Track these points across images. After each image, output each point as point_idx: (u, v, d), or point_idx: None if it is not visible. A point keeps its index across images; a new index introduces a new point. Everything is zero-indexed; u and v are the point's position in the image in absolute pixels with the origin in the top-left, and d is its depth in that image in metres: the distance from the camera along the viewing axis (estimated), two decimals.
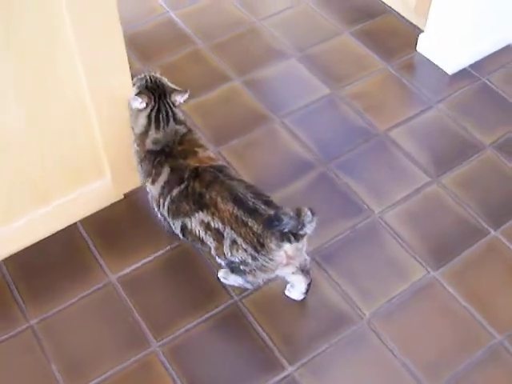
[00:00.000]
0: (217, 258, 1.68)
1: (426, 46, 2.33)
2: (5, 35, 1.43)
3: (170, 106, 1.70)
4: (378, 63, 2.34)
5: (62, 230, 1.90)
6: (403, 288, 1.77)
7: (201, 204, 1.60)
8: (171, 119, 1.70)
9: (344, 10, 2.52)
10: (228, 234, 1.57)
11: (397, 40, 2.41)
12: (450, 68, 2.28)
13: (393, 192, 1.97)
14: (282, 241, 1.52)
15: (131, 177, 1.88)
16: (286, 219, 1.48)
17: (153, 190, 1.72)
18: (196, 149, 1.70)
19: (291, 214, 1.49)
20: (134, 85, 1.73)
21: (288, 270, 1.63)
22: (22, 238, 1.84)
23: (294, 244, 1.53)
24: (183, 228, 1.67)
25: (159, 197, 1.69)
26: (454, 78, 2.29)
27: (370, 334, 1.69)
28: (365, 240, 1.87)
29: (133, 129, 1.74)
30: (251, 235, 1.54)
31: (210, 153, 1.74)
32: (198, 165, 1.65)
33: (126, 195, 1.96)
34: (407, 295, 1.75)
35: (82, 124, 1.71)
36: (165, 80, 1.74)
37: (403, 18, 2.48)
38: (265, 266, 1.58)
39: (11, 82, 1.51)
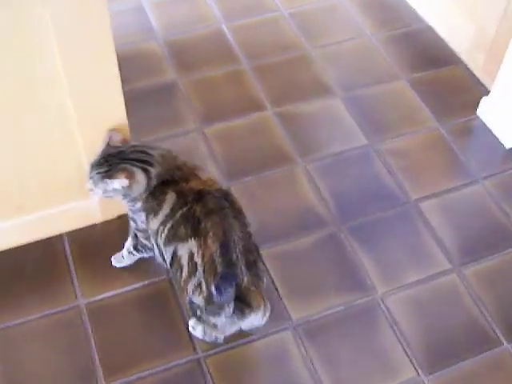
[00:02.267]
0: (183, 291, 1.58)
1: (487, 111, 2.08)
2: None
3: (143, 152, 1.55)
4: (429, 120, 2.10)
5: (47, 239, 1.80)
6: None
7: (195, 231, 1.49)
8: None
9: (409, 52, 2.29)
10: (199, 274, 1.48)
11: (457, 98, 2.16)
12: (509, 141, 2.03)
13: (405, 272, 1.76)
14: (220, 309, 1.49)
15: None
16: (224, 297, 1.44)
17: (152, 225, 1.58)
18: (196, 172, 1.59)
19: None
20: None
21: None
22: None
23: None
24: (173, 254, 1.54)
25: (159, 226, 1.56)
26: (511, 153, 2.03)
27: None
28: (358, 321, 1.67)
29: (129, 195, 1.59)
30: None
31: (209, 175, 1.62)
32: (201, 187, 1.53)
33: (120, 216, 1.84)
34: None
35: (68, 148, 1.63)
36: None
37: (471, 73, 2.23)
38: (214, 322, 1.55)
39: None
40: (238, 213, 1.55)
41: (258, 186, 1.93)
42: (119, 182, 1.49)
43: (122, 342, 1.64)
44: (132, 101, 1.76)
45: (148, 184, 1.53)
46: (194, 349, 1.62)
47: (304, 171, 1.96)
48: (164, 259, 1.60)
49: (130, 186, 1.51)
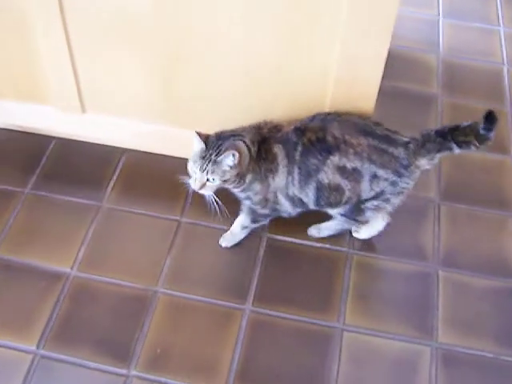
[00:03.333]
0: (341, 205, 1.69)
1: None
2: None
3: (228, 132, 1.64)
4: None
5: None
6: None
7: (328, 148, 1.59)
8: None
9: None
10: (367, 169, 1.60)
11: None
12: None
13: None
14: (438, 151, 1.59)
15: None
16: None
17: (278, 182, 1.67)
18: (277, 124, 1.68)
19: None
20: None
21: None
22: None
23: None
24: (319, 188, 1.65)
25: (287, 177, 1.65)
26: None
27: None
28: (503, 376, 1.62)
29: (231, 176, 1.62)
30: (394, 161, 1.59)
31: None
32: (294, 126, 1.64)
33: None
34: None
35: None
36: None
37: None
38: (403, 189, 1.65)
39: None
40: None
41: (467, 217, 1.94)
42: (232, 158, 1.55)
43: (283, 281, 1.77)
44: (387, 95, 1.87)
45: (250, 152, 1.61)
46: (338, 320, 1.70)
47: None
48: (302, 204, 1.71)
49: (239, 160, 1.56)
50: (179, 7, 1.60)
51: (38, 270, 1.78)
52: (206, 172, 1.58)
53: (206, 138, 1.59)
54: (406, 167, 1.60)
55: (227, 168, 1.58)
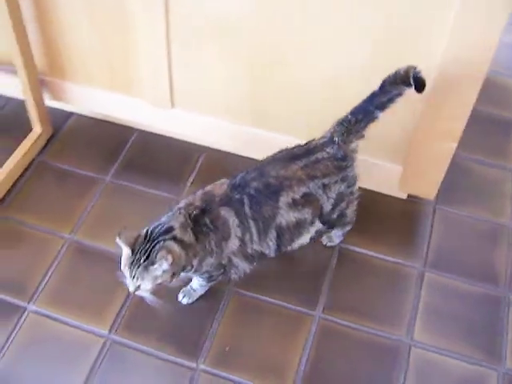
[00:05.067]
0: (316, 224, 1.65)
1: None
2: None
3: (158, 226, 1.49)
4: None
5: None
6: None
7: (275, 190, 1.54)
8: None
9: None
10: (314, 186, 1.57)
11: None
12: None
13: None
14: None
15: (425, 184, 1.87)
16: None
17: (232, 246, 1.56)
18: (206, 192, 1.57)
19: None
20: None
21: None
22: None
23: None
24: (279, 232, 1.59)
25: (243, 237, 1.55)
26: None
27: None
28: None
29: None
30: (330, 162, 1.58)
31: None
32: (228, 184, 1.56)
33: (410, 196, 1.97)
34: None
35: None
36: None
37: None
38: (355, 176, 1.65)
39: None
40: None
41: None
42: (164, 264, 1.40)
43: (353, 291, 1.78)
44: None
45: (184, 244, 1.46)
46: (407, 335, 1.70)
47: None
48: (261, 257, 1.62)
49: (173, 262, 1.40)
50: (278, 13, 1.63)
51: (113, 257, 1.82)
52: (136, 279, 1.44)
53: (132, 243, 1.43)
54: (344, 158, 1.59)
55: (159, 273, 1.43)
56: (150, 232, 1.45)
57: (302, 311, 1.73)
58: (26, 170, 2.04)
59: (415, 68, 1.50)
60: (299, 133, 1.69)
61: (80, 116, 2.20)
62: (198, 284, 1.71)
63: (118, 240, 1.42)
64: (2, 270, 1.80)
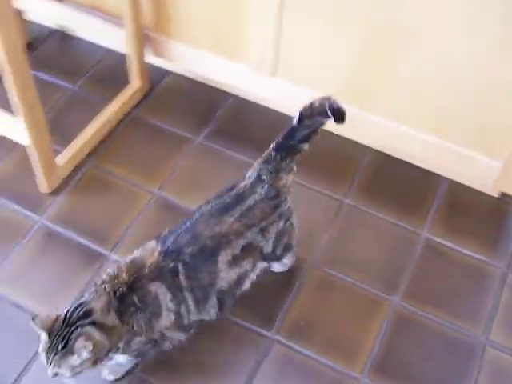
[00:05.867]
0: (259, 265, 1.55)
1: None
2: None
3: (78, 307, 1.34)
4: None
5: (427, 171, 2.00)
6: None
7: (212, 251, 1.42)
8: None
9: None
10: (251, 234, 1.46)
11: None
12: None
13: None
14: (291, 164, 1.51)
15: None
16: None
17: (166, 321, 1.42)
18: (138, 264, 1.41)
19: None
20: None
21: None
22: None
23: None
24: (220, 297, 1.47)
25: (179, 309, 1.42)
26: None
27: None
28: None
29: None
30: (264, 204, 1.48)
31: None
32: (160, 251, 1.40)
33: (503, 194, 1.93)
34: None
35: None
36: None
37: None
38: (290, 208, 1.56)
39: None
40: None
41: None
42: (84, 353, 1.28)
43: (434, 283, 1.76)
44: None
45: (105, 329, 1.33)
46: (483, 334, 1.67)
47: None
48: (200, 324, 1.50)
49: (92, 350, 1.28)
50: None
51: None
52: (53, 366, 1.31)
53: (49, 326, 1.31)
54: (277, 196, 1.50)
55: (78, 362, 1.31)
56: (68, 315, 1.32)
57: (380, 296, 1.72)
58: (119, 122, 2.08)
59: (330, 98, 1.42)
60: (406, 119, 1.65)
61: (177, 75, 2.22)
62: (124, 359, 1.53)
63: (32, 324, 1.31)
64: (88, 217, 1.85)
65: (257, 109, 2.12)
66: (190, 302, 1.43)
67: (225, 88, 2.16)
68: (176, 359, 1.58)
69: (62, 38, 2.33)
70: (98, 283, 1.37)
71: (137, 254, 1.42)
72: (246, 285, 1.56)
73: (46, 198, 1.89)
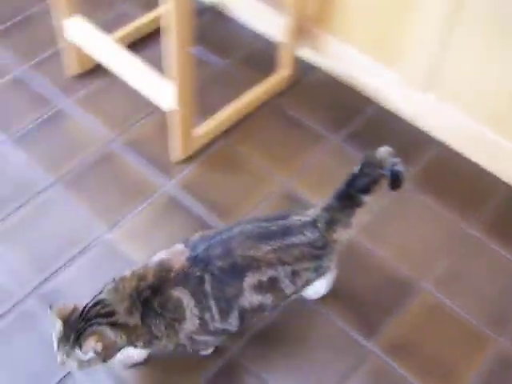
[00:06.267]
0: (271, 309, 1.50)
1: None
2: None
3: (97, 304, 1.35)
4: None
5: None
6: None
7: (241, 270, 1.37)
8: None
9: None
10: (282, 272, 1.40)
11: None
12: None
13: None
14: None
15: None
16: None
17: (191, 326, 1.40)
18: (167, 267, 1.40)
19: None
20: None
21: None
22: None
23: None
24: (241, 314, 1.43)
25: (204, 316, 1.40)
26: None
27: None
28: None
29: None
30: (307, 249, 1.41)
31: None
32: (188, 257, 1.38)
33: None
34: None
35: None
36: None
37: None
38: (330, 263, 1.52)
39: None
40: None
41: None
42: (92, 348, 1.29)
43: None
44: None
45: (122, 330, 1.33)
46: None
47: None
48: (225, 333, 1.48)
49: (102, 349, 1.29)
50: None
51: None
52: (62, 353, 1.33)
53: (65, 316, 1.32)
54: (323, 248, 1.43)
55: (85, 359, 1.32)
56: (86, 310, 1.33)
57: (488, 333, 1.66)
58: (260, 106, 2.11)
59: (393, 157, 1.37)
60: None
61: (323, 71, 2.23)
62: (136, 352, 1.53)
63: (49, 312, 1.34)
64: (212, 191, 1.90)
65: (396, 121, 2.09)
66: (215, 311, 1.40)
67: (369, 93, 2.14)
68: (274, 344, 1.61)
69: (216, 15, 2.40)
70: (117, 279, 1.37)
71: (164, 255, 1.41)
72: (269, 312, 1.56)
73: (175, 165, 1.95)
